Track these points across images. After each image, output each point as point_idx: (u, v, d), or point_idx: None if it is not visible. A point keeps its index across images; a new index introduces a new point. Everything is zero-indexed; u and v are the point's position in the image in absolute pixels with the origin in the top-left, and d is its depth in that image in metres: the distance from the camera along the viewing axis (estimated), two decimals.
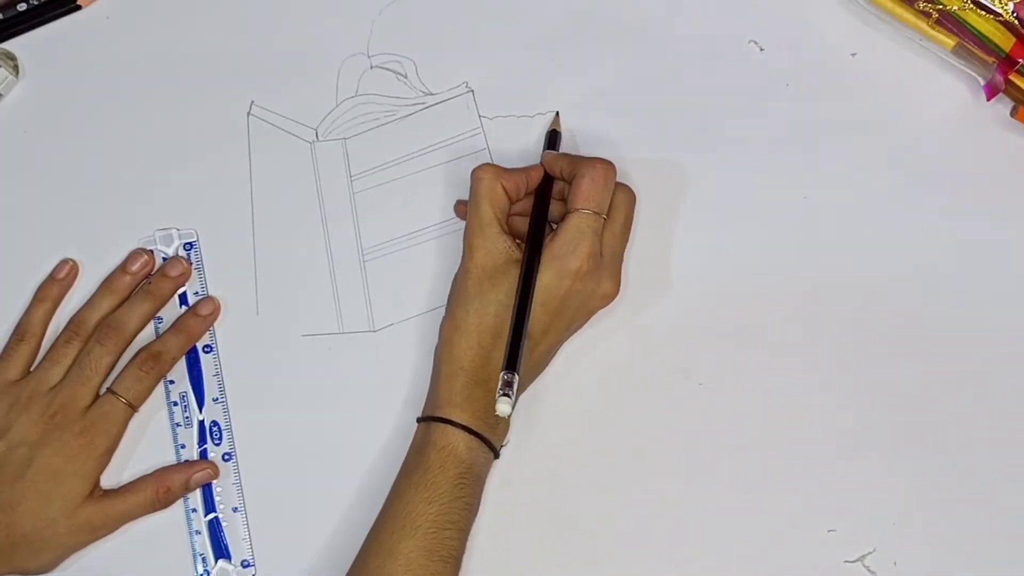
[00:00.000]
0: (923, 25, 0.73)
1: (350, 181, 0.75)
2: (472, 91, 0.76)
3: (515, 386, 0.64)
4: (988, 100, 0.74)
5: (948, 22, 0.73)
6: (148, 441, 0.71)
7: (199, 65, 0.77)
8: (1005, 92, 0.73)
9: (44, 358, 0.71)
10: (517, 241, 0.69)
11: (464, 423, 0.66)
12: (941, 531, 0.69)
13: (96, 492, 0.69)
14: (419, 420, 0.68)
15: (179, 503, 0.70)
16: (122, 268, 0.73)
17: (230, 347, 0.73)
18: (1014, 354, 0.71)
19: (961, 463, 0.69)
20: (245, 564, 0.70)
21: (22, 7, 0.77)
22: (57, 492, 0.67)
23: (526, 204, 0.71)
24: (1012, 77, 0.72)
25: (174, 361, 0.72)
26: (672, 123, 0.75)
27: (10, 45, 0.77)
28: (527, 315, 0.66)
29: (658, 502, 0.69)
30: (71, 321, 0.72)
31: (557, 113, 0.75)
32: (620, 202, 0.70)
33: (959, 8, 0.72)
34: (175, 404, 0.72)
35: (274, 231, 0.75)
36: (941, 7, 0.73)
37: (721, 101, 0.75)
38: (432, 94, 0.76)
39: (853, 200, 0.74)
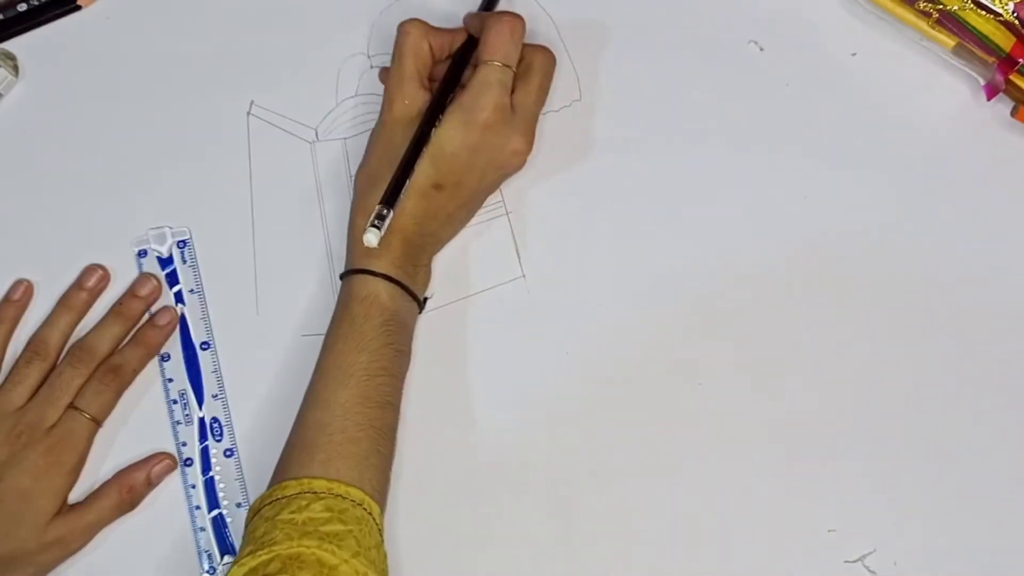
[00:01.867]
0: (923, 25, 0.73)
1: (350, 181, 0.75)
2: None
3: (387, 220, 0.65)
4: (988, 100, 0.74)
5: (948, 22, 0.73)
6: (149, 441, 0.71)
7: (199, 64, 0.77)
8: (1005, 92, 0.73)
9: (6, 379, 0.69)
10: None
11: (382, 271, 0.67)
12: (941, 531, 0.69)
13: (64, 508, 0.68)
14: (341, 277, 0.69)
15: (182, 501, 0.70)
16: (78, 285, 0.72)
17: (230, 347, 0.73)
18: (1015, 354, 0.71)
19: (961, 463, 0.69)
20: None
21: (22, 7, 0.77)
22: (26, 512, 0.66)
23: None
24: (1012, 77, 0.72)
25: (135, 373, 0.71)
26: (672, 123, 0.75)
27: (10, 45, 0.77)
28: (416, 156, 0.66)
29: (658, 502, 0.69)
30: (31, 340, 0.71)
31: None
32: (536, 61, 0.70)
33: (959, 8, 0.72)
34: (175, 402, 0.72)
35: (274, 231, 0.74)
36: (941, 7, 0.73)
37: (721, 101, 0.75)
38: None
39: (853, 200, 0.73)
